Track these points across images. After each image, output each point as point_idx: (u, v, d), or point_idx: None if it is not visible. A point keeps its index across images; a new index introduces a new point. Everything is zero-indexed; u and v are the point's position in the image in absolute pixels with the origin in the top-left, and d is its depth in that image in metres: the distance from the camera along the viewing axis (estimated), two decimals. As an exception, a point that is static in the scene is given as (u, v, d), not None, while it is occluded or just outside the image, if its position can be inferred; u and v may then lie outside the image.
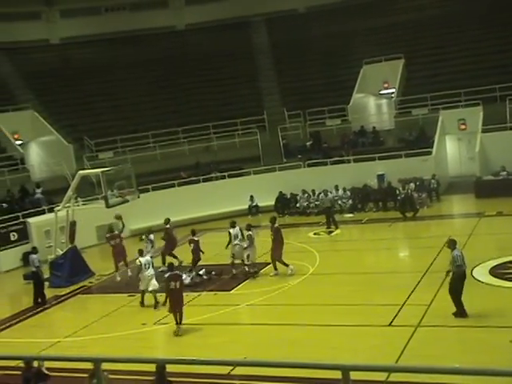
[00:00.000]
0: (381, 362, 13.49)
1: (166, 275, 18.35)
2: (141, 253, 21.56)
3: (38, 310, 22.04)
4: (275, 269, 22.20)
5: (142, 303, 20.86)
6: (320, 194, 32.60)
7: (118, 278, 24.40)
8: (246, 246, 22.53)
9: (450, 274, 16.46)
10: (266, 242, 23.89)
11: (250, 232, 22.77)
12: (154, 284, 20.64)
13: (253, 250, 22.64)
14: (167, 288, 18.16)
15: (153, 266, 21.10)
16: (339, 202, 32.37)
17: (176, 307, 18.02)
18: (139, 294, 21.79)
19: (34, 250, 23.75)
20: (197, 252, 23.44)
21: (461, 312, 16.13)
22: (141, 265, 20.84)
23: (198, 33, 48.38)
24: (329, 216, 29.33)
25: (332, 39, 44.31)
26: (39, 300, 22.52)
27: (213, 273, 23.31)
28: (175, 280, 18.07)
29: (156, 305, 20.38)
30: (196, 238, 23.83)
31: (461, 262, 16.26)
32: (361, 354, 14.69)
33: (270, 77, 44.26)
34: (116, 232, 25.32)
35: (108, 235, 25.50)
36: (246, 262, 22.61)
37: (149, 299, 21.04)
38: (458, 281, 16.25)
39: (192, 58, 45.66)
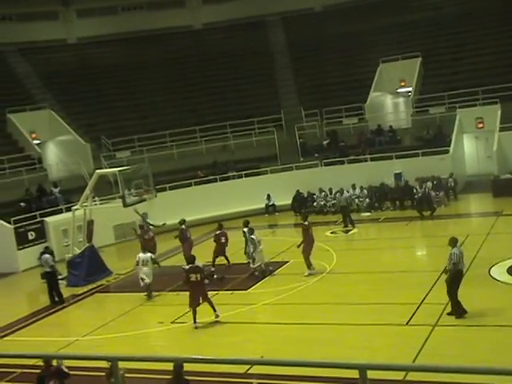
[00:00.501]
0: (398, 361, 13.44)
1: (186, 268, 18.35)
2: (143, 249, 22.19)
3: (56, 308, 22.16)
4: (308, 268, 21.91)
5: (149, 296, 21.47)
6: (337, 192, 32.58)
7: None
8: (252, 250, 22.45)
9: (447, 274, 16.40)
10: (283, 241, 23.92)
11: (253, 236, 22.59)
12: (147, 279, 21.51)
13: (258, 252, 22.49)
14: (187, 281, 18.17)
15: (154, 263, 21.91)
16: (356, 200, 32.30)
17: (197, 301, 18.02)
18: (156, 293, 21.94)
19: (47, 250, 23.73)
20: (224, 245, 23.80)
21: (459, 312, 16.01)
22: (138, 261, 21.56)
23: (215, 32, 48.50)
24: (345, 215, 29.26)
25: (348, 38, 44.22)
26: (56, 299, 22.58)
27: (215, 276, 22.65)
28: (195, 272, 18.08)
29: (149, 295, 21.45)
30: (225, 231, 24.09)
31: (456, 261, 16.06)
32: (378, 353, 14.64)
33: (287, 76, 44.24)
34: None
35: (141, 230, 25.72)
36: (251, 266, 22.55)
37: (168, 299, 21.17)
38: (452, 279, 16.11)
39: (209, 58, 45.72)
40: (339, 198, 31.23)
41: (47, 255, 23.11)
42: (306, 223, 22.53)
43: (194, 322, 18.01)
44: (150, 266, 21.67)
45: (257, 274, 22.48)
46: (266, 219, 33.25)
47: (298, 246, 22.32)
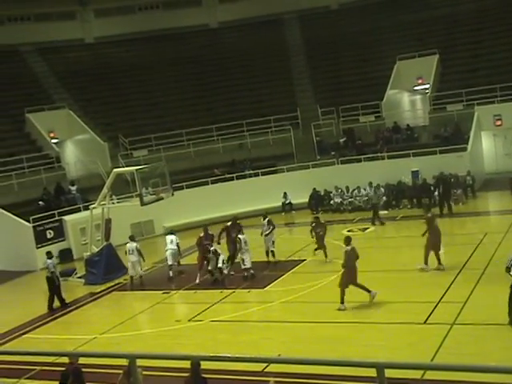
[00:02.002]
0: (416, 360, 13.38)
1: (347, 249, 18.23)
2: (131, 238, 24.25)
3: (74, 307, 22.33)
4: (425, 263, 20.60)
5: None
6: (354, 190, 32.59)
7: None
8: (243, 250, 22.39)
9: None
10: (300, 239, 23.89)
11: (242, 235, 22.58)
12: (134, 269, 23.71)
13: (247, 254, 22.37)
14: (346, 262, 18.11)
15: (139, 254, 23.73)
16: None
17: (348, 284, 18.01)
18: (173, 291, 22.04)
19: (49, 255, 23.03)
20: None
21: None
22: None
23: (231, 31, 48.57)
24: (375, 212, 29.14)
25: (365, 35, 44.06)
26: (54, 306, 22.12)
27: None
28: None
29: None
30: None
31: (509, 264, 15.25)
32: (396, 352, 14.60)
33: (303, 74, 44.17)
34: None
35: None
36: (242, 267, 22.42)
37: (186, 297, 21.24)
38: None
39: (225, 56, 45.80)
40: (372, 196, 31.01)
41: (49, 261, 22.65)
42: (430, 215, 21.63)
43: (342, 302, 17.94)
44: (136, 255, 23.69)
45: (246, 274, 22.46)
46: (283, 217, 33.23)
47: (423, 235, 21.51)
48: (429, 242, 20.71)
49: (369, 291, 18.10)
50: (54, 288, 22.36)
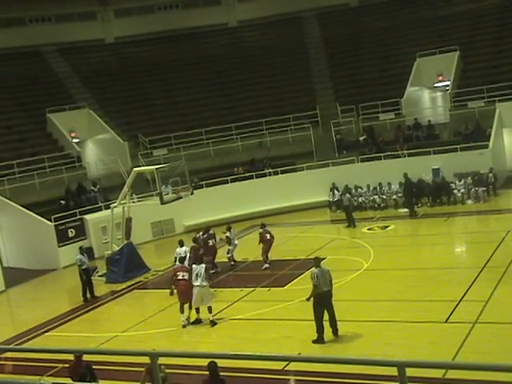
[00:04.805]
0: (437, 359, 13.32)
1: None
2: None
3: (95, 305, 22.49)
4: None
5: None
6: (375, 188, 32.49)
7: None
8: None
9: None
10: (320, 238, 23.84)
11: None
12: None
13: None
14: None
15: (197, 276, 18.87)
16: (394, 196, 32.07)
17: None
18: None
19: (80, 250, 24.10)
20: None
21: None
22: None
23: (251, 29, 48.61)
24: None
25: (385, 32, 43.89)
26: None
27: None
28: None
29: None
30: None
31: None
32: (417, 351, 14.53)
33: (323, 71, 44.06)
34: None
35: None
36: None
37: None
38: None
39: (244, 55, 45.83)
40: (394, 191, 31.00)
41: (77, 256, 23.63)
42: None
43: None
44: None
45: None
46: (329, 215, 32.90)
47: None
48: None
49: None
50: (82, 281, 23.21)
